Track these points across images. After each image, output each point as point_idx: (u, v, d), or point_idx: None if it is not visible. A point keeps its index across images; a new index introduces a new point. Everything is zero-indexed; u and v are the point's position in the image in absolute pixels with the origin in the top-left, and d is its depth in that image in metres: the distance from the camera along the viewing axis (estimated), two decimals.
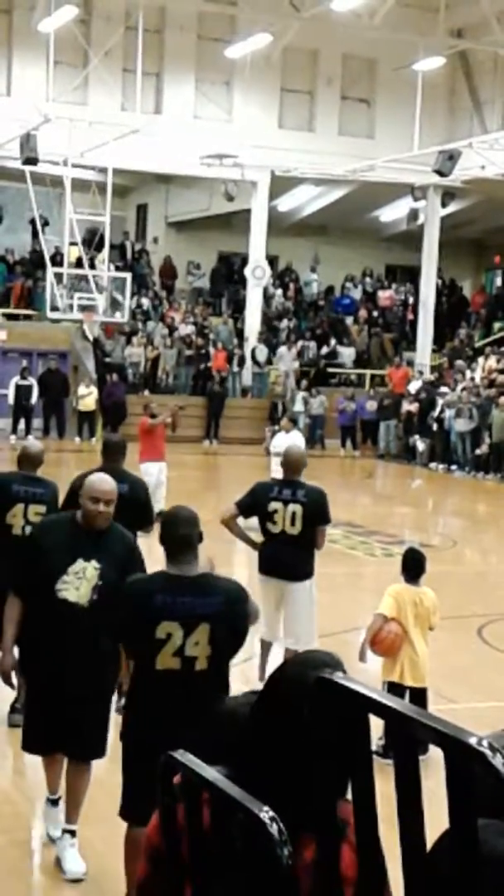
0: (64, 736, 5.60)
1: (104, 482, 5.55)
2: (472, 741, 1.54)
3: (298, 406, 29.03)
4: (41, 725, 5.62)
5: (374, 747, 1.98)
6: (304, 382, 29.95)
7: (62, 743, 5.66)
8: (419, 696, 7.46)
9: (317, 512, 8.39)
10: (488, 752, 1.52)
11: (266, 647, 8.52)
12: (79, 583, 5.36)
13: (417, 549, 8.05)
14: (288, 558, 8.36)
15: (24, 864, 5.78)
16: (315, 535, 8.43)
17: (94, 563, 5.41)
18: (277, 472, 8.94)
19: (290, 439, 15.02)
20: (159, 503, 13.75)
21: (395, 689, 7.32)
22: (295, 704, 2.08)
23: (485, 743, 1.54)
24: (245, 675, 7.72)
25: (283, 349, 30.84)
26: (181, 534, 4.73)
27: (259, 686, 2.57)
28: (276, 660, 8.78)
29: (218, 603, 4.65)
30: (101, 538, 5.52)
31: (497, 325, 33.06)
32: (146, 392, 28.15)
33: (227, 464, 26.50)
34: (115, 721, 7.98)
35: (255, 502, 8.41)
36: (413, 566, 7.69)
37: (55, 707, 5.51)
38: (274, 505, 8.29)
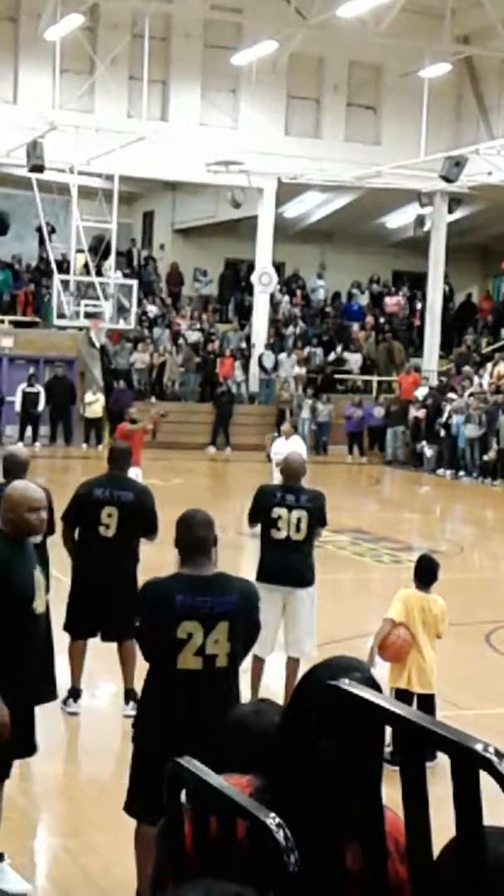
0: (20, 742, 5.45)
1: (35, 490, 5.40)
2: (479, 747, 1.53)
3: (305, 413, 29.02)
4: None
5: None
6: (310, 390, 29.92)
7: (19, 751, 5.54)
8: (427, 703, 7.45)
9: (320, 516, 8.41)
10: (495, 759, 1.51)
11: (259, 662, 8.17)
12: (39, 593, 5.34)
13: (431, 557, 7.94)
14: (296, 565, 8.26)
15: (30, 871, 5.77)
16: (314, 539, 8.44)
17: (37, 571, 5.38)
18: (280, 478, 8.88)
19: (290, 445, 14.99)
20: None
21: (402, 695, 7.30)
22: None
23: (491, 749, 1.53)
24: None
25: (283, 356, 30.86)
26: (197, 536, 4.85)
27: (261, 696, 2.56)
28: (274, 673, 8.67)
29: (234, 600, 4.78)
30: (27, 543, 5.43)
31: None
32: (153, 399, 28.19)
33: (233, 470, 26.49)
34: (122, 726, 8.00)
35: (258, 508, 8.35)
36: (425, 573, 7.65)
37: (19, 716, 5.33)
38: (277, 511, 8.19)
